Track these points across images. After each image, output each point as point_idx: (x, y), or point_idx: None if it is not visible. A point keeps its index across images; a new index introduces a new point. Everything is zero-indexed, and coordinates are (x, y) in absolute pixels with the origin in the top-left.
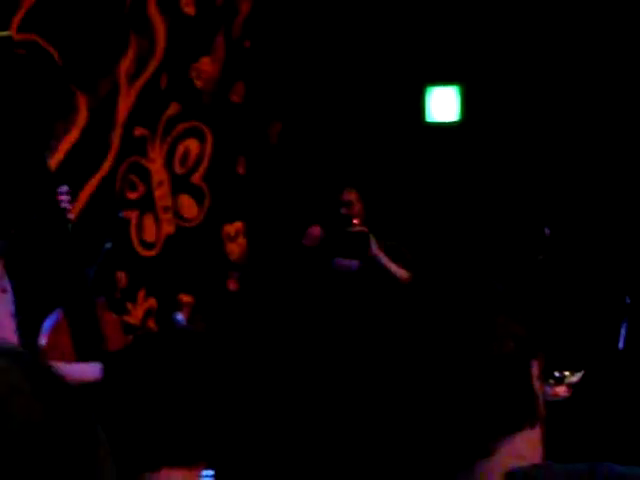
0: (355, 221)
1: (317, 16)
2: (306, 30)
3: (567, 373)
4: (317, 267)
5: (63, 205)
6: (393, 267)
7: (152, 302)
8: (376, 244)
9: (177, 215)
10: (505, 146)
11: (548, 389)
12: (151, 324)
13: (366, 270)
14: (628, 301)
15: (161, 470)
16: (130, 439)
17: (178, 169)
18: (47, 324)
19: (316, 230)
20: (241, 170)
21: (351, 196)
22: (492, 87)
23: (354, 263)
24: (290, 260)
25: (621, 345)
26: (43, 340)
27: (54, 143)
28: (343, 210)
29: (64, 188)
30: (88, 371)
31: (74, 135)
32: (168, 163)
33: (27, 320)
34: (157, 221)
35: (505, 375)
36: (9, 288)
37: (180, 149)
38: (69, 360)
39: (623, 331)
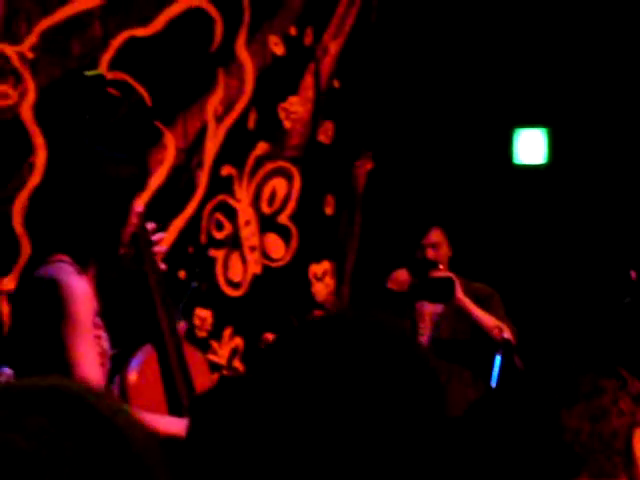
0: (441, 266)
1: (407, 57)
2: (396, 71)
3: None
4: (402, 311)
5: (151, 241)
6: (479, 313)
7: (238, 341)
8: (461, 289)
9: (264, 255)
10: (592, 188)
11: None
12: (237, 363)
13: (451, 315)
14: None
15: None
16: None
17: (265, 208)
18: (135, 361)
19: (401, 274)
20: (329, 210)
21: (438, 237)
22: (580, 130)
23: (438, 308)
24: (375, 303)
25: None
26: (131, 376)
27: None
28: (429, 251)
29: (151, 225)
30: (174, 425)
31: (162, 174)
32: (255, 202)
33: (116, 357)
34: (244, 260)
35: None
36: (102, 325)
37: (267, 189)
38: (156, 398)
39: None
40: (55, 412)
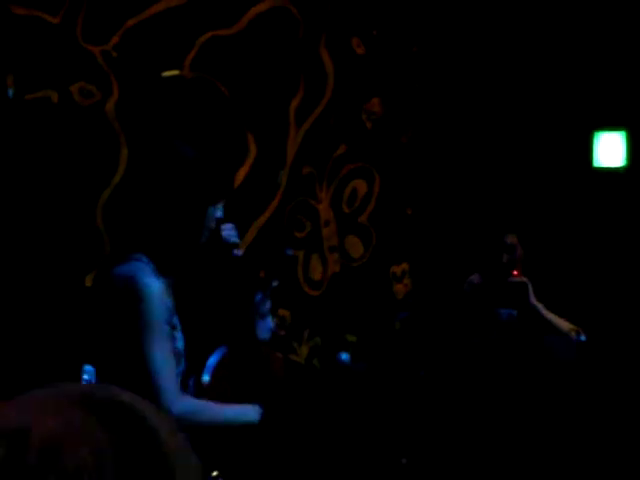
0: (515, 272)
1: (487, 59)
2: (476, 72)
3: None
4: (475, 315)
5: (230, 241)
6: (552, 317)
7: (317, 341)
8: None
9: (344, 255)
10: None
11: None
12: (316, 363)
13: (525, 320)
14: None
15: None
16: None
17: (345, 209)
18: (211, 361)
19: (476, 278)
20: (408, 211)
21: (512, 241)
22: None
23: (512, 313)
24: (451, 307)
25: None
26: (207, 377)
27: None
28: (504, 256)
29: (229, 225)
30: (249, 413)
31: (243, 174)
32: (335, 203)
33: (192, 357)
34: (324, 260)
35: None
36: (178, 325)
37: (348, 189)
38: (232, 398)
39: None
40: (117, 429)
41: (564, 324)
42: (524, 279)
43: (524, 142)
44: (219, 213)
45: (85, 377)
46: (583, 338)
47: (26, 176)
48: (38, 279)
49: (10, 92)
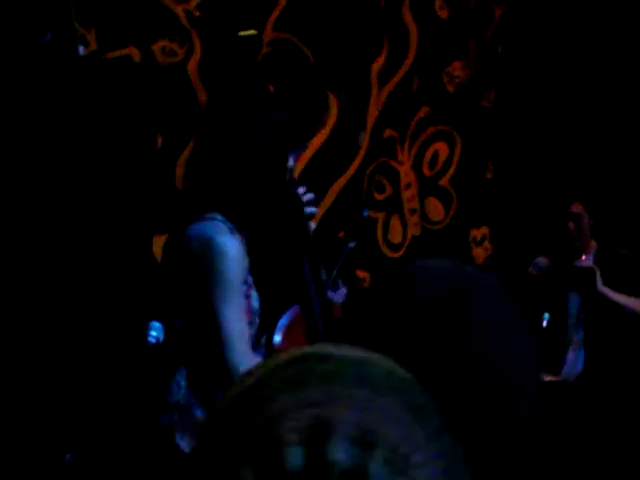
0: (583, 257)
1: (569, 26)
2: (558, 38)
3: None
4: (543, 298)
5: (304, 203)
6: (622, 299)
7: None
8: (601, 280)
9: (424, 218)
10: None
11: None
12: None
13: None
14: None
15: None
16: None
17: (426, 172)
18: (283, 322)
19: (543, 261)
20: (489, 175)
21: (579, 209)
22: None
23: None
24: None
25: None
26: (278, 338)
27: (308, 144)
28: (571, 224)
29: (302, 189)
30: None
31: (324, 135)
32: (416, 166)
33: (264, 317)
34: (404, 223)
35: None
36: (253, 284)
37: (429, 152)
38: None
39: None
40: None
41: (636, 303)
42: (591, 264)
43: (601, 111)
44: (292, 162)
45: (153, 333)
46: None
47: (105, 134)
48: (108, 238)
49: (81, 49)
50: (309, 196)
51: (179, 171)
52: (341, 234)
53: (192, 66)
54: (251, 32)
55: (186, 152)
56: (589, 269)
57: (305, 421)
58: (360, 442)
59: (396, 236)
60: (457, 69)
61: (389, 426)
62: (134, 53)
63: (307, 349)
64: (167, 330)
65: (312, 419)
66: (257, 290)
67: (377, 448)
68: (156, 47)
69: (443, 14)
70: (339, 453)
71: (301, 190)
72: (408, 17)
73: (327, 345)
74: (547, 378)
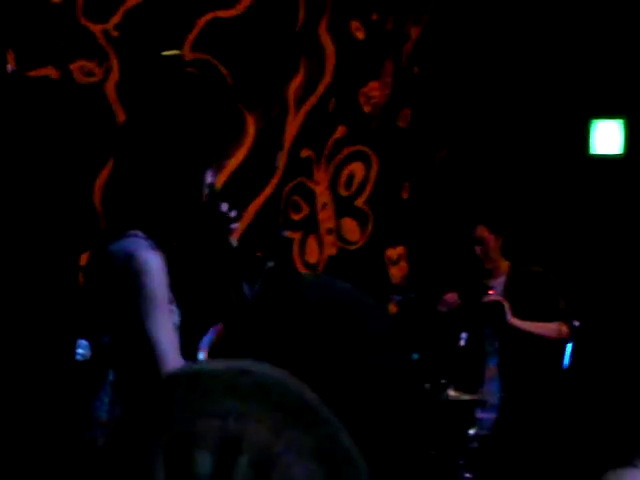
0: (491, 292)
1: (485, 46)
2: (474, 59)
3: None
4: (448, 334)
5: (226, 220)
6: (533, 327)
7: None
8: (511, 312)
9: (340, 238)
10: None
11: None
12: None
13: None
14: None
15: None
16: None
17: (343, 192)
18: (206, 340)
19: (451, 297)
20: (405, 195)
21: (483, 232)
22: None
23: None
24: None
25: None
26: (202, 356)
27: (225, 163)
28: (477, 248)
29: (224, 206)
30: None
31: (242, 155)
32: (333, 186)
33: (186, 334)
34: (320, 243)
35: None
36: (174, 300)
37: (345, 172)
38: None
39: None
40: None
41: (548, 329)
42: (499, 298)
43: (521, 130)
44: (210, 178)
45: (80, 351)
46: (576, 324)
47: (22, 154)
48: (34, 255)
49: (9, 68)
50: (233, 213)
51: (97, 190)
52: (259, 254)
53: (110, 86)
54: (174, 52)
55: (104, 171)
56: (497, 303)
57: (170, 438)
58: (222, 450)
59: (312, 256)
60: (373, 89)
61: (256, 430)
62: (52, 72)
63: (178, 369)
64: (94, 347)
65: (179, 435)
66: (178, 307)
67: (242, 454)
68: (74, 67)
69: (359, 35)
70: (201, 465)
71: (224, 207)
72: (325, 38)
73: (197, 362)
74: (466, 397)
